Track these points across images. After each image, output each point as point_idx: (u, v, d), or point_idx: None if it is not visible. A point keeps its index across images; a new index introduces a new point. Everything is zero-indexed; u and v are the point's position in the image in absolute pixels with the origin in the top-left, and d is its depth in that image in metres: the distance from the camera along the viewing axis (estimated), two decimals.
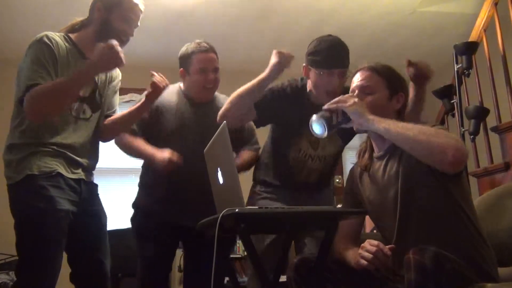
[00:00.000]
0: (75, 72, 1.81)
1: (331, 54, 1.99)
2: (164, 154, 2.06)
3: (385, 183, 1.61)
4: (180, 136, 2.20)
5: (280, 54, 1.99)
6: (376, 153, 1.69)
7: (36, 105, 1.73)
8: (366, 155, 1.73)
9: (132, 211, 2.32)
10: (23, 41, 1.85)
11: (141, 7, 1.96)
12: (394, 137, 1.50)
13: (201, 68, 2.22)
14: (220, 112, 2.04)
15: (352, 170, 1.82)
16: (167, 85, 2.06)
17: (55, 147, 1.81)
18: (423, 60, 1.93)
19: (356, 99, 1.58)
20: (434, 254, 1.23)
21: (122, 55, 1.78)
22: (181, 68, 2.29)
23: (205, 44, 2.26)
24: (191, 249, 2.28)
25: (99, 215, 1.96)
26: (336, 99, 1.59)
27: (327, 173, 2.26)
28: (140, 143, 2.18)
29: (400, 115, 1.67)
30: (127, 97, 4.62)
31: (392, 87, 1.68)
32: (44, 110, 1.76)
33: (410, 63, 1.91)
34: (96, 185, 2.02)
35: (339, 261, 1.66)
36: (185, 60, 2.26)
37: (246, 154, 2.30)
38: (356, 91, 1.68)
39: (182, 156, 2.09)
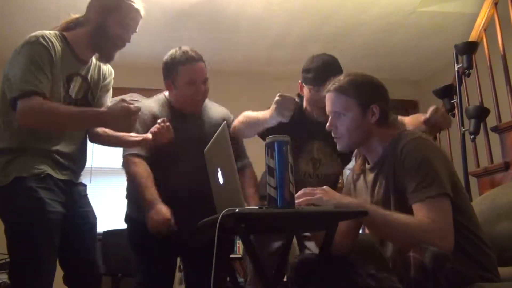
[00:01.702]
0: (83, 112, 1.76)
1: (321, 71, 2.02)
2: (162, 211, 1.90)
3: (376, 198, 1.61)
4: (169, 151, 2.03)
5: (281, 100, 1.90)
6: (367, 164, 1.69)
7: (33, 118, 1.68)
8: (360, 161, 1.73)
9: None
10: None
11: (142, 12, 1.89)
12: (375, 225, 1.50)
13: (190, 80, 2.06)
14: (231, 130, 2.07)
15: (348, 176, 1.83)
16: (170, 141, 1.97)
17: (44, 151, 1.77)
18: (439, 108, 1.91)
19: (319, 189, 1.50)
20: (434, 254, 1.23)
21: (136, 122, 1.78)
22: (166, 80, 2.12)
23: (192, 54, 2.08)
24: (190, 251, 2.19)
25: (88, 216, 1.93)
26: (302, 194, 1.49)
27: None
28: (143, 181, 1.99)
29: (381, 125, 1.62)
30: (127, 96, 4.62)
31: (363, 103, 1.60)
32: (38, 125, 1.73)
33: (425, 122, 1.91)
34: (85, 186, 1.97)
35: (339, 261, 1.66)
36: (170, 71, 2.09)
37: (253, 199, 2.15)
38: (330, 117, 1.66)
39: (169, 169, 2.05)
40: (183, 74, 2.06)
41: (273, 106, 1.90)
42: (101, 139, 2.01)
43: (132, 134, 1.98)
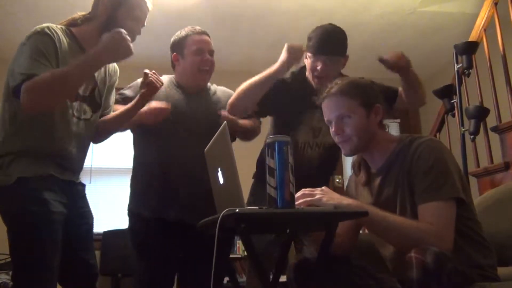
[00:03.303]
0: (78, 61, 1.70)
1: (320, 40, 2.07)
2: (153, 104, 2.03)
3: (381, 203, 1.60)
4: (172, 128, 2.10)
5: (291, 49, 2.01)
6: (371, 169, 1.69)
7: (35, 96, 1.62)
8: (363, 172, 1.71)
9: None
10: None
11: (149, 5, 1.90)
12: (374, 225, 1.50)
13: (197, 48, 2.16)
14: (229, 101, 2.10)
15: (350, 179, 1.82)
16: (162, 85, 2.01)
17: (48, 154, 1.75)
18: (396, 51, 1.96)
19: (318, 190, 1.50)
20: (436, 254, 1.23)
21: (131, 44, 1.72)
22: (174, 53, 2.22)
23: (199, 28, 2.22)
24: (190, 249, 2.18)
25: (86, 217, 1.92)
26: (301, 196, 1.49)
27: (326, 166, 2.27)
28: (116, 113, 2.02)
29: (382, 128, 1.64)
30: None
31: (366, 104, 1.60)
32: (43, 102, 1.65)
33: (380, 61, 1.95)
34: (84, 185, 1.96)
35: (339, 261, 1.66)
36: (179, 43, 2.20)
37: (247, 121, 2.25)
38: (333, 123, 1.63)
39: (174, 150, 2.08)
40: (191, 44, 2.18)
41: (285, 53, 2.00)
42: (102, 128, 1.98)
43: (126, 106, 2.00)
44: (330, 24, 2.13)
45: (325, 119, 1.66)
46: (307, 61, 2.14)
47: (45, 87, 1.62)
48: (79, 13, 1.90)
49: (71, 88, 1.72)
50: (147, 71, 1.97)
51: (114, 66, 2.04)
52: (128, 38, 1.72)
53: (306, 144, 2.18)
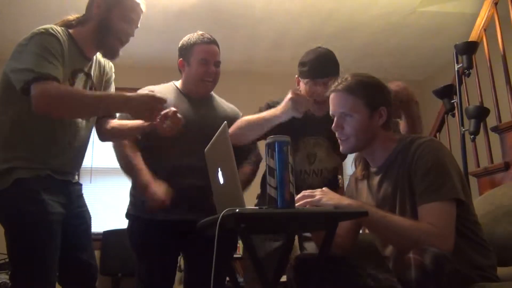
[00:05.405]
0: (109, 95, 1.76)
1: (315, 64, 2.03)
2: (158, 190, 1.95)
3: (380, 202, 1.61)
4: (180, 136, 2.04)
5: (296, 99, 1.91)
6: (371, 167, 1.69)
7: (51, 103, 1.62)
8: (361, 166, 1.72)
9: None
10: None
11: (142, 7, 1.90)
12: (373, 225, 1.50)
13: (203, 59, 2.15)
14: (230, 131, 2.00)
15: (350, 179, 1.82)
16: (179, 130, 1.94)
17: (44, 160, 1.74)
18: (401, 84, 1.86)
19: (318, 191, 1.51)
20: (434, 255, 1.23)
21: (157, 113, 1.76)
22: (180, 59, 2.21)
23: (209, 36, 2.20)
24: (191, 250, 2.19)
25: (84, 216, 1.91)
26: (301, 197, 1.50)
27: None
28: (138, 163, 2.05)
29: (386, 128, 1.63)
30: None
31: (371, 105, 1.58)
32: (57, 110, 1.67)
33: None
34: (81, 185, 1.96)
35: (339, 261, 1.67)
36: (186, 50, 2.18)
37: (242, 175, 2.13)
38: (335, 118, 1.63)
39: (181, 156, 2.07)
40: (197, 53, 2.16)
41: (287, 102, 1.92)
42: (109, 131, 1.99)
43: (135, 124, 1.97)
44: (319, 47, 2.12)
45: (330, 111, 1.67)
46: (303, 87, 2.08)
47: (60, 100, 1.64)
48: (73, 15, 1.90)
49: (83, 114, 1.79)
50: (175, 110, 1.90)
51: (108, 63, 2.04)
52: (159, 107, 1.75)
53: (303, 172, 2.16)
